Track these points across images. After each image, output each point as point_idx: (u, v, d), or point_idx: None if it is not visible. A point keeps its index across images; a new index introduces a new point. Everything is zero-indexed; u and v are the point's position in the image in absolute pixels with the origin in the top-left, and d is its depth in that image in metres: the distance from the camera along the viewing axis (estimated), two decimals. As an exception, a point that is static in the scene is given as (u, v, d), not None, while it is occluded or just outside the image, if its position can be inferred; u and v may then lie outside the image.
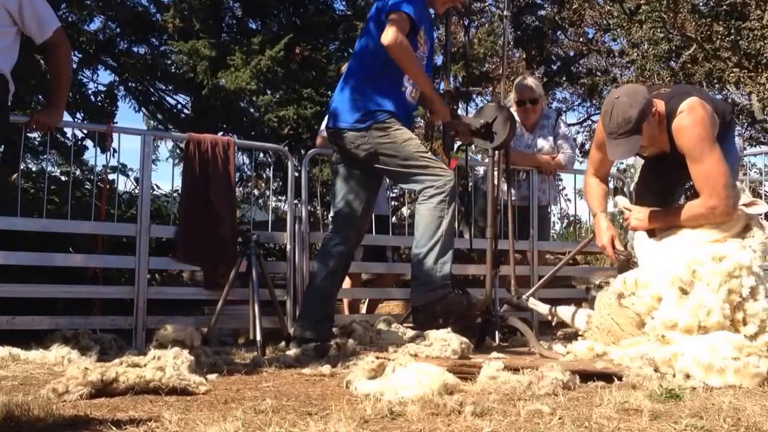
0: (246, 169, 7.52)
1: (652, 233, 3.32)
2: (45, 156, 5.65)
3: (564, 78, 14.81)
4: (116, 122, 6.73)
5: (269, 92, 7.20)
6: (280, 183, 7.28)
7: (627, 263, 3.30)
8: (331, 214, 3.74)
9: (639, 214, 3.32)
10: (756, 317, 2.75)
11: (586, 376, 2.50)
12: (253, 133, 7.02)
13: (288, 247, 4.10)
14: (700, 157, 3.01)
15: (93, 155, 6.40)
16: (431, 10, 3.73)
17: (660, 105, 3.13)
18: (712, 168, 2.99)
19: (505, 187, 4.62)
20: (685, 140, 3.05)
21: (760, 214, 3.13)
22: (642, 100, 3.04)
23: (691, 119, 3.03)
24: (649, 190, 3.53)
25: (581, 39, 15.09)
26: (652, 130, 3.10)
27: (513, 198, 4.50)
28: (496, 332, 3.83)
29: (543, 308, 3.76)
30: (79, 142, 6.27)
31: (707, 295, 2.79)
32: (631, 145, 3.10)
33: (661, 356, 2.60)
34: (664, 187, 3.51)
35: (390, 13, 3.38)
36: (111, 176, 5.02)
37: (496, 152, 3.79)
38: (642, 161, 3.69)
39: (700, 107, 3.04)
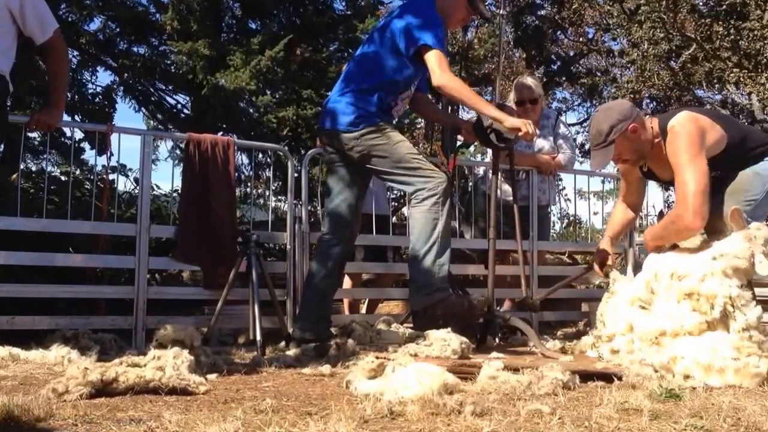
0: (245, 169, 7.53)
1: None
2: (45, 156, 5.66)
3: (564, 78, 14.84)
4: (114, 123, 6.73)
5: (269, 92, 7.19)
6: (280, 183, 7.27)
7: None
8: (326, 213, 3.74)
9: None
10: None
11: (586, 376, 2.51)
12: (252, 133, 7.02)
13: (288, 247, 4.10)
14: (677, 165, 2.97)
15: (92, 155, 6.42)
16: None
17: (654, 122, 3.17)
18: (687, 176, 2.91)
19: (506, 187, 4.63)
20: (669, 153, 3.05)
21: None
22: (615, 116, 3.09)
23: (676, 132, 3.02)
24: None
25: (581, 39, 15.11)
26: (631, 144, 3.12)
27: (507, 198, 4.50)
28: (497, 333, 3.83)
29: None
30: (77, 144, 6.27)
31: (668, 306, 2.74)
32: (603, 157, 3.18)
33: (660, 361, 2.60)
34: None
35: (425, 49, 3.39)
36: (111, 176, 5.02)
37: (500, 153, 3.79)
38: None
39: (687, 121, 3.02)
